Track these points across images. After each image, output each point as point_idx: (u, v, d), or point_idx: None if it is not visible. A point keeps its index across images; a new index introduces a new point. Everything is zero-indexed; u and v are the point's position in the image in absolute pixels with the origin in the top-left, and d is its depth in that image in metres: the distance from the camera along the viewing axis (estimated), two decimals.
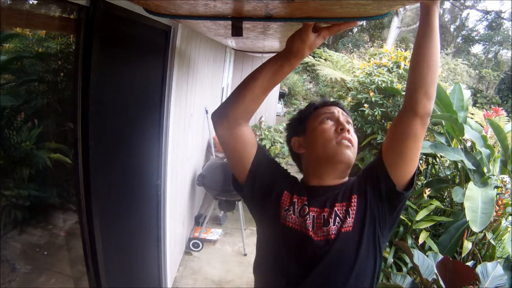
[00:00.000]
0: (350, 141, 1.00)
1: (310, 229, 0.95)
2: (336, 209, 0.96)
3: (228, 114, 0.96)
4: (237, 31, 1.00)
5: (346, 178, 1.05)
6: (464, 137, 3.22)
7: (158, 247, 2.26)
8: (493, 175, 2.82)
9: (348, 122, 1.04)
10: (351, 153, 1.00)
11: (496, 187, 2.49)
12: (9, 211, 2.31)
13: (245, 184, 1.03)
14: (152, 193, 2.14)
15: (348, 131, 1.01)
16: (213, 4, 0.77)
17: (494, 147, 3.21)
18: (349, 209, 0.96)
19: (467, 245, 2.56)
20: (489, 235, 2.69)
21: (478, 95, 15.95)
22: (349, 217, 0.95)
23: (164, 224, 2.26)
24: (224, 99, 1.00)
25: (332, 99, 1.16)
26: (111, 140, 1.54)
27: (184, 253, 3.18)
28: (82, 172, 1.27)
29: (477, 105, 13.94)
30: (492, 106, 8.34)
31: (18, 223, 2.38)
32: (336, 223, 0.94)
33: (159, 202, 2.20)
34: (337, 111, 1.06)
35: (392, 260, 2.81)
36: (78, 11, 1.11)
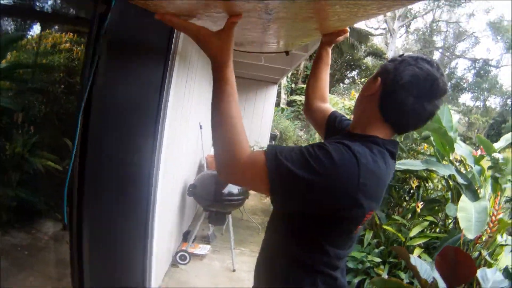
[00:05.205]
0: None
1: None
2: None
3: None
4: None
5: None
6: (454, 157, 3.26)
7: (145, 244, 2.17)
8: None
9: None
10: None
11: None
12: None
13: None
14: (144, 187, 2.09)
15: None
16: (213, 4, 0.77)
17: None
18: None
19: None
20: (484, 253, 2.64)
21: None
22: None
23: (153, 222, 2.18)
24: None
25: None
26: (104, 140, 1.49)
27: (170, 265, 3.04)
28: (71, 174, 1.23)
29: None
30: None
31: (2, 223, 2.30)
32: None
33: (149, 199, 2.13)
34: None
35: (386, 277, 2.72)
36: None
